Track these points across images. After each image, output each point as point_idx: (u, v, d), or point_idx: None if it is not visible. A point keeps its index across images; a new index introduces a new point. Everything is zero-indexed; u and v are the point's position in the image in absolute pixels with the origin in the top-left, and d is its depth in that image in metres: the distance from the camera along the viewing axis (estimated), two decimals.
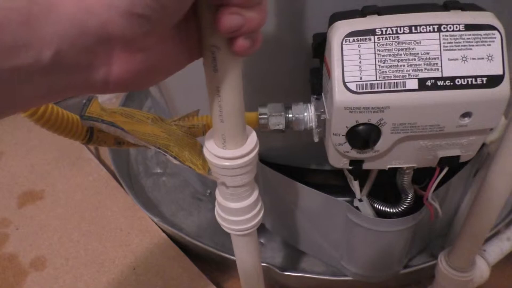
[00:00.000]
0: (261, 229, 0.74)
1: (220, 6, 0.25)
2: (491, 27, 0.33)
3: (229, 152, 0.33)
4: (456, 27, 0.33)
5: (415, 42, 0.33)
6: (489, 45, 0.33)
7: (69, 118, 0.33)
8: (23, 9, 0.19)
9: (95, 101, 0.35)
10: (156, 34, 0.24)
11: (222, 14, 0.24)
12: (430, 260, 0.65)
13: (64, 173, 0.92)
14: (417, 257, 0.70)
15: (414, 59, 0.33)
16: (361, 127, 0.36)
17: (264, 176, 0.61)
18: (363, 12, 0.35)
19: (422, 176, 0.50)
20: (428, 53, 0.33)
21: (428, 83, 0.33)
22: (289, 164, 0.60)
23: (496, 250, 0.62)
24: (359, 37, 0.34)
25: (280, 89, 0.48)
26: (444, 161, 0.39)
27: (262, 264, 0.64)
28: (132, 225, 0.78)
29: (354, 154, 0.38)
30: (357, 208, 0.52)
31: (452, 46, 0.33)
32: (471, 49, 0.33)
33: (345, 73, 0.34)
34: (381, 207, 0.53)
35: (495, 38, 0.33)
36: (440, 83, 0.33)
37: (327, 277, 0.64)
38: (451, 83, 0.33)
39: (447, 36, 0.33)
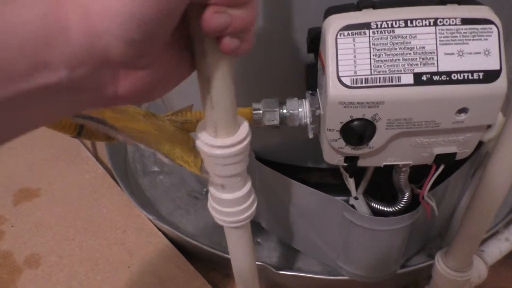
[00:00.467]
0: (257, 228, 0.74)
1: (206, 5, 0.24)
2: (488, 21, 0.33)
3: (220, 141, 0.32)
4: (453, 21, 0.33)
5: (410, 36, 0.33)
6: (486, 39, 0.33)
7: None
8: (41, 31, 0.20)
9: None
10: (153, 53, 0.24)
11: (207, 12, 0.24)
12: (428, 260, 0.64)
13: (61, 171, 0.91)
14: (414, 257, 0.70)
15: (410, 54, 0.33)
16: (355, 122, 0.35)
17: (260, 174, 0.60)
18: (358, 6, 0.35)
19: (419, 175, 0.50)
20: (424, 48, 0.33)
21: (424, 78, 0.33)
22: (286, 162, 0.60)
23: (494, 250, 0.61)
24: (353, 31, 0.33)
25: (275, 84, 0.48)
26: (440, 158, 0.39)
27: (259, 263, 0.63)
28: (128, 223, 0.78)
29: (349, 150, 0.38)
30: (352, 206, 0.51)
31: (448, 40, 0.33)
32: (467, 43, 0.33)
33: (339, 67, 0.33)
34: (378, 206, 0.53)
35: (492, 32, 0.33)
36: (436, 78, 0.33)
37: (323, 277, 0.64)
38: (447, 78, 0.33)
39: (443, 30, 0.33)
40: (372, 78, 0.33)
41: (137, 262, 0.71)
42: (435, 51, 0.33)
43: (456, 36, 0.33)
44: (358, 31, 0.33)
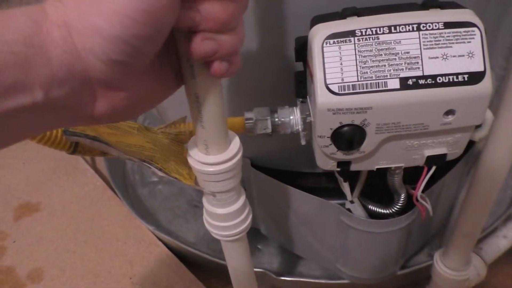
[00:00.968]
0: (257, 234, 0.74)
1: (193, 32, 0.25)
2: (470, 24, 0.33)
3: (212, 158, 0.33)
4: (435, 26, 0.33)
5: (395, 42, 0.34)
6: (469, 42, 0.33)
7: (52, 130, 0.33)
8: (20, 53, 0.20)
9: None
10: (135, 74, 0.25)
11: (195, 40, 0.25)
12: (428, 261, 0.65)
13: (60, 184, 0.92)
14: (415, 257, 0.70)
15: (395, 59, 0.33)
16: (345, 128, 0.35)
17: (256, 181, 0.61)
18: (343, 14, 0.35)
19: (415, 175, 0.50)
20: (408, 52, 0.33)
21: (410, 82, 0.33)
22: (282, 168, 0.60)
23: (492, 248, 0.61)
24: (339, 39, 0.34)
25: (266, 93, 0.48)
26: (431, 160, 0.39)
27: (259, 269, 0.64)
28: (128, 234, 0.78)
29: (341, 155, 0.38)
30: (348, 210, 0.51)
31: (432, 44, 0.33)
32: (451, 46, 0.33)
33: (326, 75, 0.34)
34: (375, 208, 0.53)
35: (474, 35, 0.33)
36: (421, 81, 0.33)
37: (323, 281, 0.64)
38: (433, 81, 0.33)
39: (427, 34, 0.33)
40: (359, 84, 0.34)
41: (138, 273, 0.72)
42: (420, 56, 0.33)
43: (440, 40, 0.33)
44: (344, 39, 0.34)
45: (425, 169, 0.42)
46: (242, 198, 0.37)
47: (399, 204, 0.51)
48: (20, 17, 0.21)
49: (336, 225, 0.55)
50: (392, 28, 0.33)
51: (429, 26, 0.33)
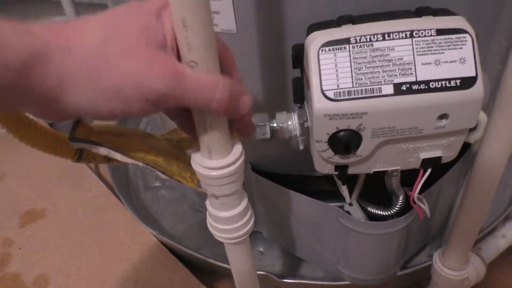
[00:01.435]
0: (259, 237, 0.75)
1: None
2: (462, 31, 0.34)
3: (216, 162, 0.34)
4: (428, 32, 0.34)
5: (388, 49, 0.35)
6: (461, 48, 0.34)
7: (58, 138, 0.35)
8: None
9: (83, 123, 0.36)
10: None
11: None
12: (428, 261, 0.65)
13: (64, 191, 0.93)
14: (415, 257, 0.71)
15: (389, 65, 0.35)
16: (341, 133, 0.37)
17: (257, 185, 0.62)
18: (338, 22, 0.37)
19: (413, 177, 0.51)
20: (402, 59, 0.35)
21: (403, 87, 0.34)
22: (282, 172, 0.61)
23: (491, 247, 0.62)
24: (334, 47, 0.35)
25: (264, 99, 0.49)
26: (426, 163, 0.40)
27: (261, 272, 0.64)
28: (133, 239, 0.79)
29: (338, 159, 0.39)
30: (348, 212, 0.52)
31: (425, 51, 0.34)
32: (443, 53, 0.34)
33: (322, 81, 0.35)
34: (374, 210, 0.54)
35: (466, 41, 0.34)
36: (415, 87, 0.34)
37: (326, 283, 0.65)
38: (426, 87, 0.34)
39: (420, 41, 0.34)
40: (354, 90, 0.35)
41: (142, 277, 0.73)
42: (413, 62, 0.34)
43: (432, 47, 0.34)
44: (339, 46, 0.35)
45: (421, 172, 0.42)
46: (245, 201, 0.38)
47: (398, 206, 0.52)
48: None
49: (336, 227, 0.56)
50: (386, 35, 0.35)
51: (422, 33, 0.34)
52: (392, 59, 0.35)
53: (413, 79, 0.34)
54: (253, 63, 0.45)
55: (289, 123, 0.41)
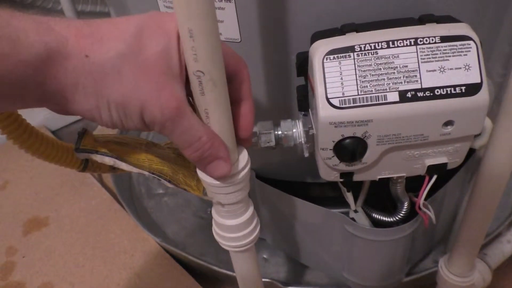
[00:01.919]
0: (263, 244, 0.75)
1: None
2: (466, 38, 0.34)
3: None
4: (432, 40, 0.34)
5: (393, 56, 0.35)
6: (466, 55, 0.34)
7: (63, 149, 0.35)
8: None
9: (88, 133, 0.36)
10: None
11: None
12: (433, 267, 0.65)
13: (67, 199, 0.93)
14: (420, 263, 0.70)
15: (394, 73, 0.35)
16: (347, 140, 0.36)
17: (261, 192, 0.62)
18: (342, 30, 0.37)
19: (418, 183, 0.51)
20: (406, 66, 0.35)
21: (409, 95, 0.34)
22: (287, 179, 0.61)
23: (497, 253, 0.62)
24: (339, 55, 0.35)
25: (269, 107, 0.49)
26: (432, 169, 0.40)
27: (266, 279, 0.64)
28: (136, 247, 0.79)
29: (343, 167, 0.39)
30: (353, 219, 0.52)
31: (430, 58, 0.34)
32: (448, 59, 0.34)
33: (327, 89, 0.35)
34: (379, 217, 0.54)
35: (471, 48, 0.34)
36: (420, 94, 0.34)
37: None
38: (431, 94, 0.34)
39: (424, 48, 0.34)
40: (359, 98, 0.35)
41: (146, 285, 0.72)
42: (418, 69, 0.34)
43: (437, 54, 0.34)
44: (343, 54, 0.35)
45: (427, 178, 0.42)
46: (251, 209, 0.38)
47: (403, 212, 0.52)
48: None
49: (341, 234, 0.55)
50: (390, 43, 0.35)
51: (426, 40, 0.34)
52: (397, 67, 0.35)
53: (418, 86, 0.34)
54: (257, 71, 0.45)
55: (294, 130, 0.41)
